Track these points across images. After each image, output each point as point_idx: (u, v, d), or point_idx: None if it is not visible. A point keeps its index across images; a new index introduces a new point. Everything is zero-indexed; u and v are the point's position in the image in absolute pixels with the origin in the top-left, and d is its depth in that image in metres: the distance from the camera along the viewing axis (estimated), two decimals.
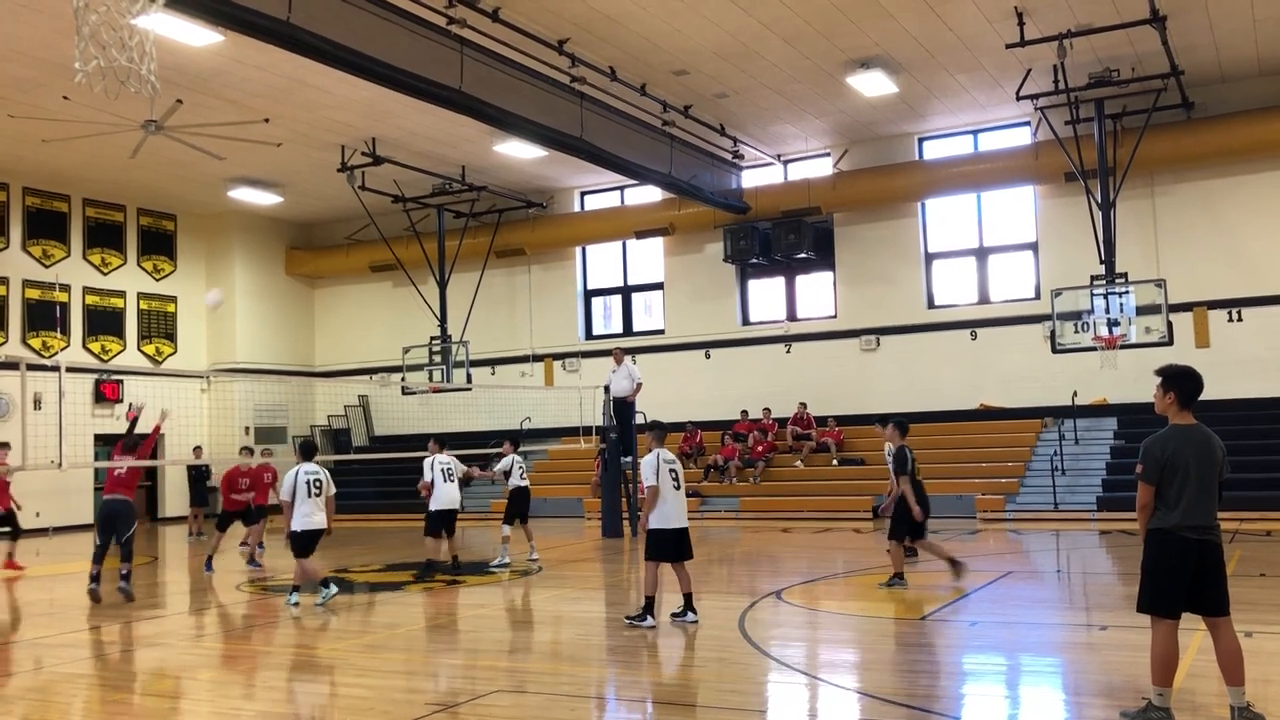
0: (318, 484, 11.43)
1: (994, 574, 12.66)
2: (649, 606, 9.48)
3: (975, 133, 22.97)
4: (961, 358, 22.67)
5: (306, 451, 11.80)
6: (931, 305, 23.37)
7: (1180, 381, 6.02)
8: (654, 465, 9.67)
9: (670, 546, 9.63)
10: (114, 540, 12.22)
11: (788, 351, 24.39)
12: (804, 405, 23.36)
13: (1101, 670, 7.62)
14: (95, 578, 12.17)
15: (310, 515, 11.37)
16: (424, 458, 14.66)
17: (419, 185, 24.46)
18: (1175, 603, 5.90)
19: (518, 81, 16.82)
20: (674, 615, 9.75)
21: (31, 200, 24.64)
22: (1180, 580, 5.88)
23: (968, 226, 23.37)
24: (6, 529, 16.40)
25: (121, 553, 12.23)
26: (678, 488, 9.72)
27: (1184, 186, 20.89)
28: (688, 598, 9.74)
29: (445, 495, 14.31)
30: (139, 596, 12.62)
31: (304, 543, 11.43)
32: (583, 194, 26.93)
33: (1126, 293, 18.62)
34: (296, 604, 11.33)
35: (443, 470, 14.41)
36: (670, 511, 9.62)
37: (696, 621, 9.61)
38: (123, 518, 12.25)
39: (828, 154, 24.04)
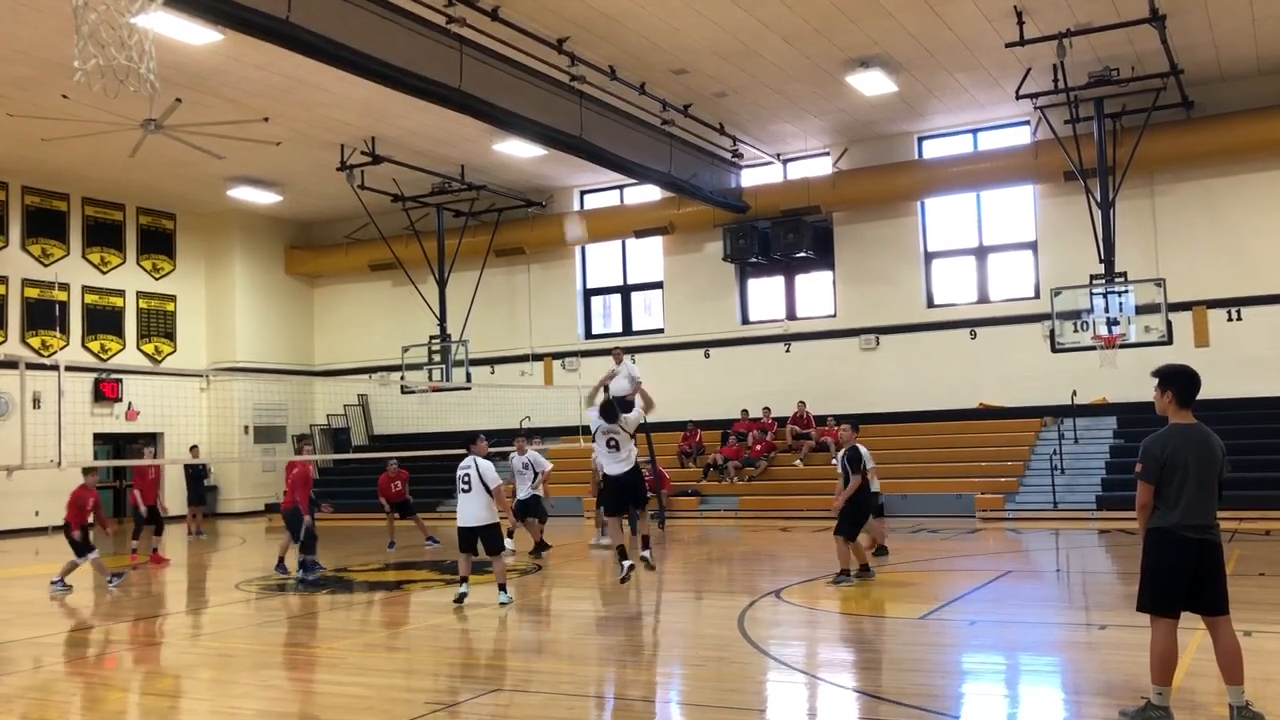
0: (465, 480, 11.10)
1: (993, 573, 12.66)
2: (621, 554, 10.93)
3: (975, 132, 22.96)
4: (961, 357, 22.67)
5: (472, 444, 11.44)
6: (931, 304, 23.37)
7: (1177, 380, 6.04)
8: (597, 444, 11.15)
9: (609, 496, 11.19)
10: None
11: (787, 351, 24.39)
12: (803, 404, 23.35)
13: (1100, 669, 7.62)
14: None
15: (463, 511, 11.16)
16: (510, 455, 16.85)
17: (418, 184, 24.45)
18: (1175, 602, 5.91)
19: (517, 80, 16.81)
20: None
21: (31, 199, 24.62)
22: (1180, 580, 5.89)
23: (967, 226, 23.36)
24: (151, 524, 16.76)
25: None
26: (614, 448, 10.98)
27: (1183, 185, 20.88)
28: (644, 539, 11.17)
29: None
30: (136, 594, 12.63)
31: (461, 540, 11.17)
32: (582, 193, 26.92)
33: (1126, 292, 18.61)
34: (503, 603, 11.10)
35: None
36: (607, 464, 11.05)
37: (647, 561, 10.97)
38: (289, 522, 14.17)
39: (827, 153, 24.04)
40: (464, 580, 11.23)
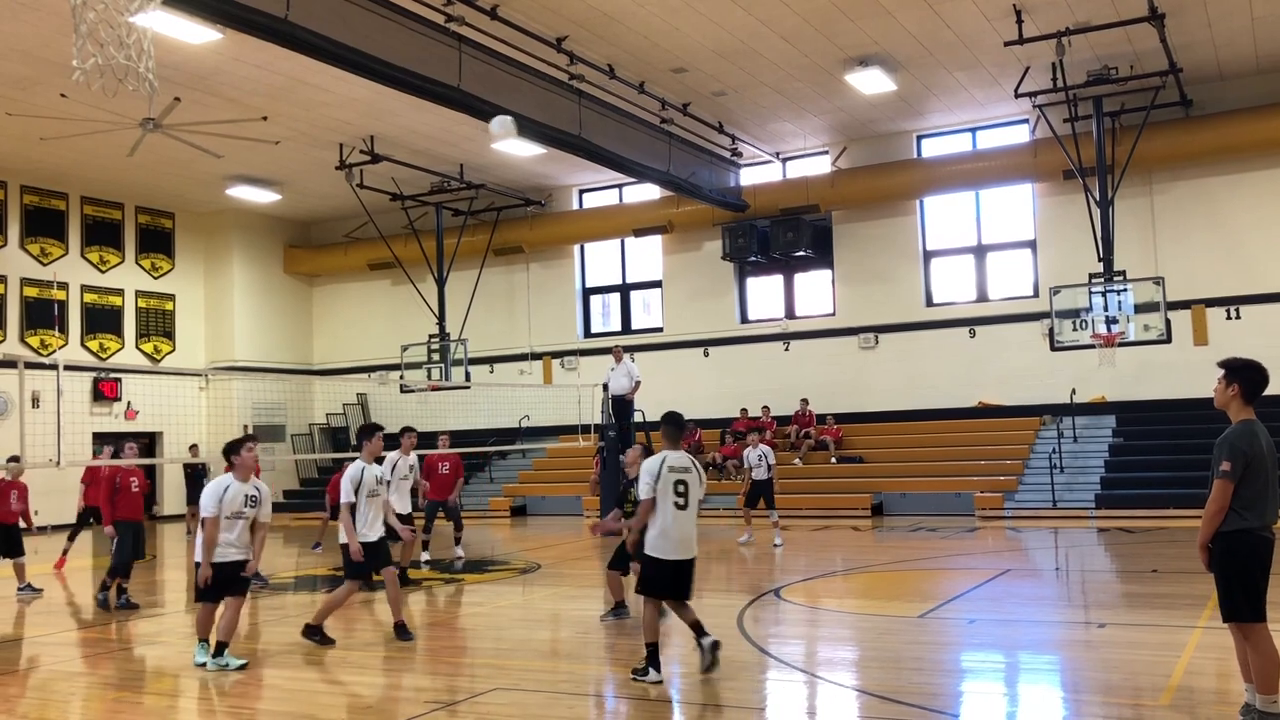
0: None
1: (992, 571, 12.67)
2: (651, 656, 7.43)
3: (974, 130, 22.96)
4: (960, 355, 22.68)
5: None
6: (930, 303, 23.37)
7: (1246, 373, 5.80)
8: (654, 472, 7.36)
9: (666, 580, 7.44)
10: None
11: (786, 350, 24.39)
12: (805, 402, 23.35)
13: (1100, 668, 7.63)
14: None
15: None
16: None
17: (417, 183, 24.45)
18: (1264, 605, 5.72)
19: (516, 79, 16.81)
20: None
21: (29, 198, 24.61)
22: (1266, 581, 5.69)
23: (966, 224, 23.36)
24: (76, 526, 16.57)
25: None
26: (683, 506, 7.35)
27: (1182, 184, 20.89)
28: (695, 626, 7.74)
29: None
30: (140, 593, 12.63)
31: None
32: (581, 192, 26.92)
33: (1125, 290, 18.62)
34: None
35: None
36: (671, 537, 7.39)
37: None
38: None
39: (826, 152, 24.03)
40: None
